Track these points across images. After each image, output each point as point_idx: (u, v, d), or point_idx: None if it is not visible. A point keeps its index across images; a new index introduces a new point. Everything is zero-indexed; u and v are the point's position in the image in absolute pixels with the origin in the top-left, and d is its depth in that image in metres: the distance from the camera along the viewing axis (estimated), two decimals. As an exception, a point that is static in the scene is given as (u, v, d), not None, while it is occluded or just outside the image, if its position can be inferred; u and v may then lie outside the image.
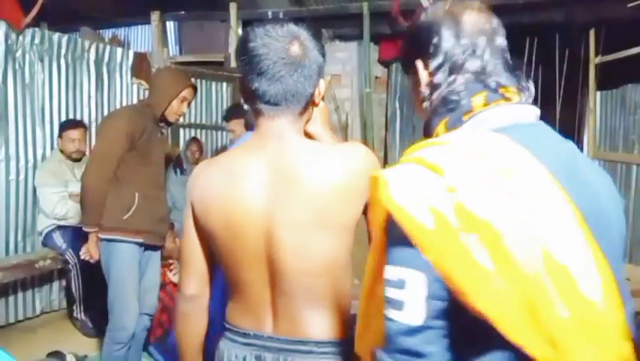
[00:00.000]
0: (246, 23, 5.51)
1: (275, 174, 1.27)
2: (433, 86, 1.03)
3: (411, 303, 0.84)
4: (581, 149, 5.10)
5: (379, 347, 0.89)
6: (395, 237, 0.86)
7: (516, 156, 0.86)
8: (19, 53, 3.98)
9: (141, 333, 3.08)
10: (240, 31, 5.48)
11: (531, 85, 1.03)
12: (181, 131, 5.49)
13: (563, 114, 5.35)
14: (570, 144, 0.99)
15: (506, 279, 0.79)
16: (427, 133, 1.04)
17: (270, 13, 5.50)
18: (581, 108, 5.32)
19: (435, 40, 1.03)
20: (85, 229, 2.91)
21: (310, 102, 1.32)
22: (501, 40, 1.03)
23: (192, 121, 5.60)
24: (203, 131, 5.73)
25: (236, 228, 1.28)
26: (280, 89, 1.25)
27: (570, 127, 5.52)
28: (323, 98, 1.37)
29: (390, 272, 0.87)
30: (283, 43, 1.25)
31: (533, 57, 5.25)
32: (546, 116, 1.03)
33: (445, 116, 1.01)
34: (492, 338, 0.81)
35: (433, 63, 1.03)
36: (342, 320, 1.35)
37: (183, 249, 1.42)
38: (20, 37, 3.98)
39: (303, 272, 1.27)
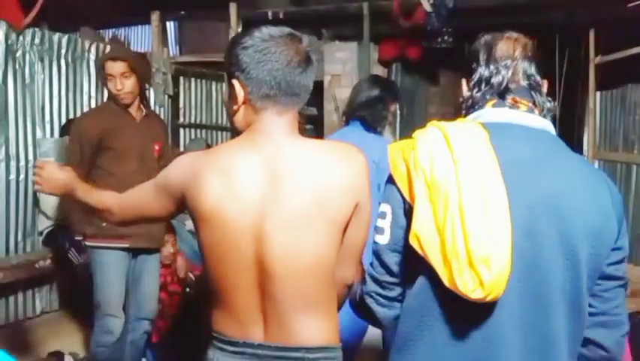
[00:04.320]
0: (246, 23, 5.51)
1: (271, 172, 1.28)
2: (469, 97, 1.35)
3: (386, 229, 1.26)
4: (581, 149, 5.13)
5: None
6: (387, 180, 1.29)
7: (473, 140, 1.17)
8: (19, 53, 3.98)
9: (140, 338, 3.05)
10: (240, 31, 5.48)
11: (548, 103, 1.30)
12: (181, 131, 5.48)
13: (563, 114, 5.35)
14: (541, 147, 1.24)
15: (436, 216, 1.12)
16: None
17: (270, 14, 5.49)
18: (581, 108, 5.33)
19: (473, 65, 1.33)
20: (75, 238, 2.96)
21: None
22: (526, 65, 1.29)
23: (192, 121, 5.60)
24: (204, 131, 5.73)
25: (228, 225, 1.28)
26: (294, 81, 1.30)
27: (570, 127, 5.52)
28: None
29: (380, 207, 1.28)
30: (293, 44, 1.31)
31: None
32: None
33: (467, 114, 1.35)
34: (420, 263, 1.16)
35: (471, 81, 1.35)
36: (334, 324, 1.34)
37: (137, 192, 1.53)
38: (20, 37, 3.97)
39: (293, 273, 1.27)
